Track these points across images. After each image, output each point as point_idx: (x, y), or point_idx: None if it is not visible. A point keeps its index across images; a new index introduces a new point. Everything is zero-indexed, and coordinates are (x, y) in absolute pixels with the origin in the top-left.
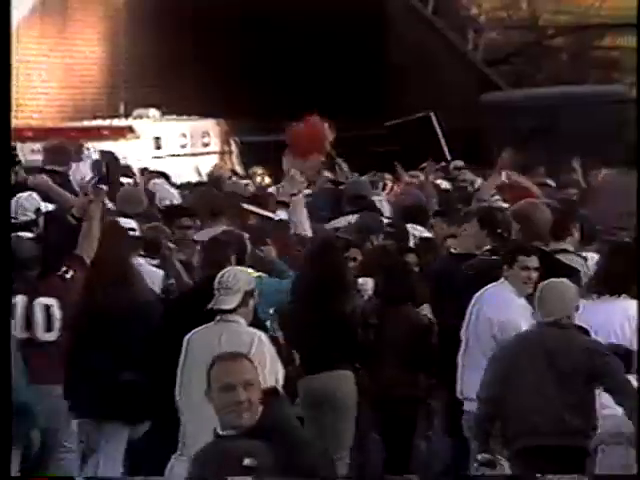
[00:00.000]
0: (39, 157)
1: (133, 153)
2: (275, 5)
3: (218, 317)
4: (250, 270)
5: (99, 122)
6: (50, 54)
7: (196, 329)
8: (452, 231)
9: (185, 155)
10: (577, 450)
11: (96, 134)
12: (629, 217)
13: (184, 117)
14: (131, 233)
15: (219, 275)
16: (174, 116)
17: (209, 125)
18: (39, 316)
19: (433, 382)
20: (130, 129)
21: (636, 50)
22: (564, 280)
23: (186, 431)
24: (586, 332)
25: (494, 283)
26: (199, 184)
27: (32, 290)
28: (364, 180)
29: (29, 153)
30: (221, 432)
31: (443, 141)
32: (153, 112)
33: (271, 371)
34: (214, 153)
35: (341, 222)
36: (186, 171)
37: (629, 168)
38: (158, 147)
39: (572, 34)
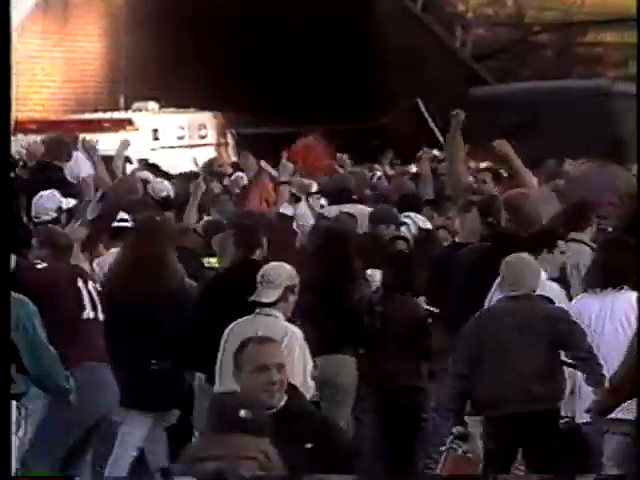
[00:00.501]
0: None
1: (132, 144)
2: (272, 4)
3: (257, 310)
4: None
5: (100, 115)
6: (53, 49)
7: (235, 322)
8: (442, 221)
9: (182, 147)
10: (547, 414)
11: (97, 126)
12: (610, 207)
13: (182, 110)
14: (123, 224)
15: (263, 269)
16: (172, 109)
17: (206, 118)
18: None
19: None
20: (129, 121)
21: (637, 47)
22: (526, 255)
23: None
24: (550, 301)
25: None
26: (193, 174)
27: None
28: (348, 175)
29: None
30: (244, 414)
31: (434, 126)
32: (152, 105)
33: (300, 365)
34: (210, 145)
35: (331, 212)
36: (183, 162)
37: (611, 160)
38: (156, 139)
39: (556, 31)
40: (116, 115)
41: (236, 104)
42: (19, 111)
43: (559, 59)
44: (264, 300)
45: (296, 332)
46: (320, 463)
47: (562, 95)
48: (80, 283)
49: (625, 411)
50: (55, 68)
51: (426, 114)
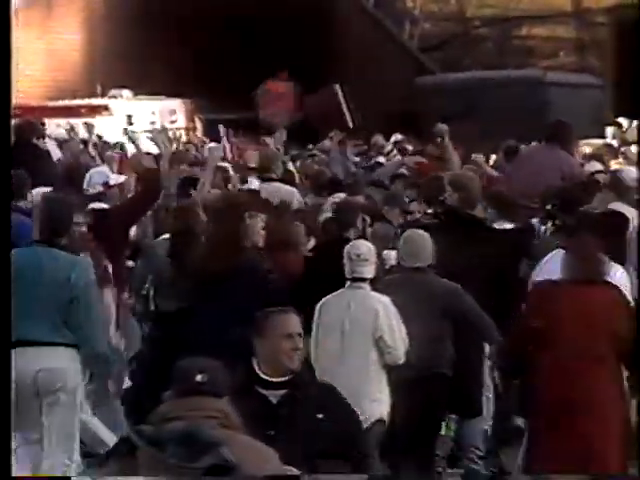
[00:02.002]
0: None
1: (108, 128)
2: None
3: (348, 284)
4: None
5: (78, 101)
6: (35, 41)
7: (329, 295)
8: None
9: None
10: (439, 376)
11: (75, 112)
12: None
13: (154, 97)
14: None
15: (357, 246)
16: (145, 96)
17: (176, 104)
18: None
19: None
20: (105, 107)
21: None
22: (421, 231)
23: None
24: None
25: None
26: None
27: None
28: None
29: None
30: (264, 376)
31: (346, 110)
32: (126, 93)
33: (397, 333)
34: (180, 129)
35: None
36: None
37: (554, 142)
38: (130, 123)
39: (495, 25)
40: (93, 101)
41: (200, 88)
42: None
43: (497, 51)
44: (365, 276)
45: (388, 302)
46: (328, 432)
47: (500, 83)
48: None
49: None
50: (37, 58)
51: (341, 99)
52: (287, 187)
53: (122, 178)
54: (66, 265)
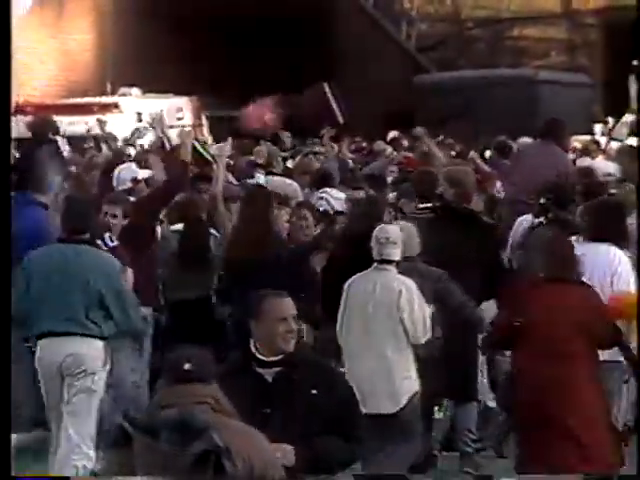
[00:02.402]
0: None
1: (118, 125)
2: (238, 3)
3: (375, 265)
4: None
5: (89, 99)
6: (49, 41)
7: (355, 276)
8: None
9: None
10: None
11: (87, 109)
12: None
13: (162, 95)
14: None
15: (386, 229)
16: (153, 94)
17: (183, 102)
18: None
19: None
20: (116, 105)
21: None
22: (409, 223)
23: (350, 367)
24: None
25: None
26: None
27: None
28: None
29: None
30: (260, 356)
31: (335, 107)
32: (135, 91)
33: (420, 313)
34: (187, 126)
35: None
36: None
37: (549, 139)
38: (139, 120)
39: (488, 26)
40: (104, 99)
41: (207, 86)
42: (18, 95)
43: (491, 51)
44: (392, 258)
45: (411, 284)
46: (323, 409)
47: (494, 82)
48: None
49: None
50: (50, 58)
51: (330, 97)
52: (290, 181)
53: (148, 173)
54: (90, 261)
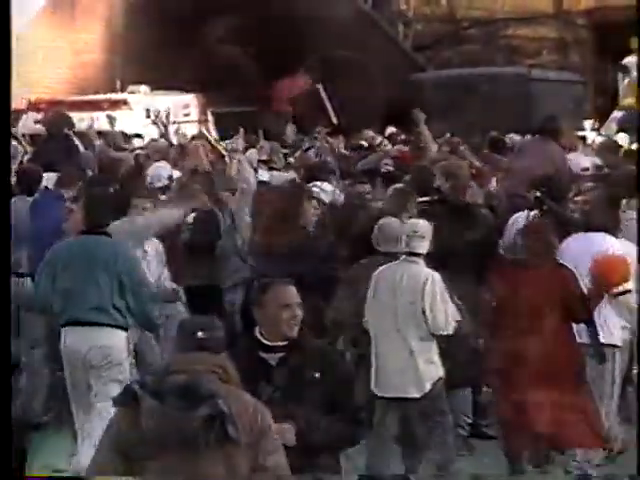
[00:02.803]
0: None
1: (127, 122)
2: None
3: (403, 257)
4: None
5: (99, 96)
6: (60, 41)
7: (383, 267)
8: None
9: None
10: None
11: (97, 106)
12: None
13: (169, 92)
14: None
15: (414, 223)
16: (161, 91)
17: (189, 99)
18: None
19: None
20: (125, 102)
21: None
22: (395, 219)
23: (376, 352)
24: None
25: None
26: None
27: None
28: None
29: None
30: (265, 341)
31: (329, 108)
32: (143, 88)
33: (442, 306)
34: (193, 122)
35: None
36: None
37: (547, 136)
38: (148, 117)
39: (483, 26)
40: (113, 96)
41: (213, 83)
42: (31, 93)
43: (485, 49)
44: (419, 251)
45: (436, 277)
46: (325, 392)
47: (488, 79)
48: None
49: None
50: (61, 57)
51: (324, 97)
52: (290, 177)
53: (177, 173)
54: (110, 251)
